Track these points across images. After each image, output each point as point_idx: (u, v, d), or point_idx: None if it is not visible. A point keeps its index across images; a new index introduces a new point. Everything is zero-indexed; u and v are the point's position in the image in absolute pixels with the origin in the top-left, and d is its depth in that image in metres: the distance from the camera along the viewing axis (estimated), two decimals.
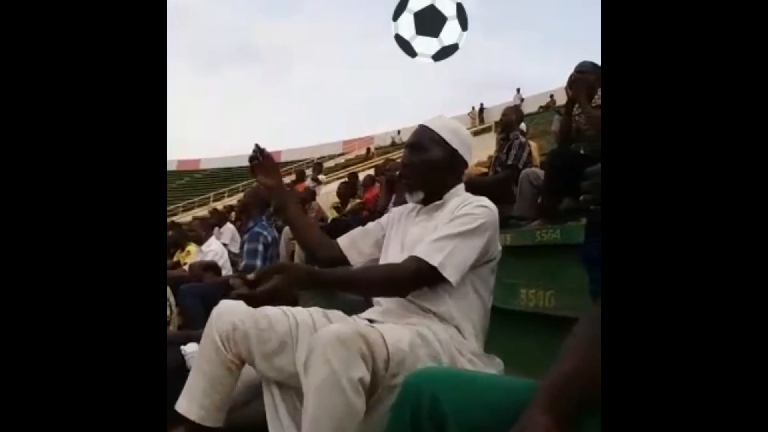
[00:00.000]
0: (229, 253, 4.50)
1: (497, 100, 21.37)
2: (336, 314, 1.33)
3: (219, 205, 14.75)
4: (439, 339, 1.17)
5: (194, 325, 2.90)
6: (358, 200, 6.21)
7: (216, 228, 5.73)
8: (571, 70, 3.02)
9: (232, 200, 15.41)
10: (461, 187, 1.39)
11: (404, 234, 1.38)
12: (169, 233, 4.90)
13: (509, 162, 3.98)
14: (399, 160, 3.65)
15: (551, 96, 19.16)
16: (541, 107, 19.50)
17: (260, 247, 3.30)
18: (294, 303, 2.05)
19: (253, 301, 1.09)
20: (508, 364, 1.31)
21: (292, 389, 1.19)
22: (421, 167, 1.34)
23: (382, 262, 1.41)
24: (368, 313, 1.33)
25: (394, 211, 1.50)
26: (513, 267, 3.18)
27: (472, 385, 0.77)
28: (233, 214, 7.35)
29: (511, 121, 4.23)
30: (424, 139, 1.36)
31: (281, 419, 1.19)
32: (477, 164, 5.43)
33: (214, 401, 1.22)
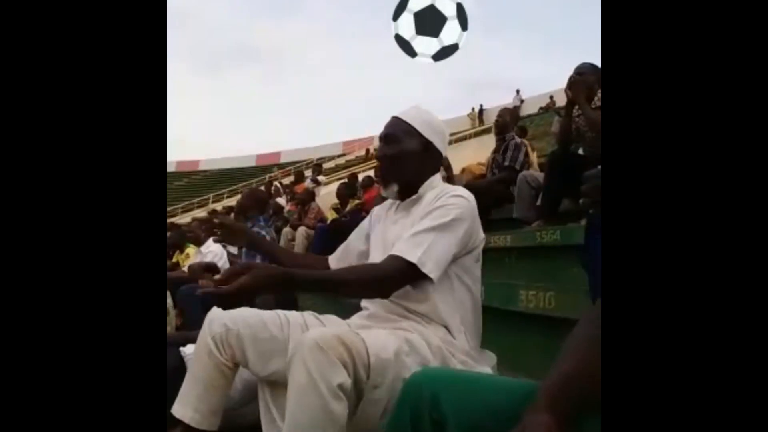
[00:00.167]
0: (228, 254, 4.49)
1: (497, 101, 21.38)
2: (330, 318, 1.33)
3: (218, 206, 14.75)
4: (429, 343, 1.15)
5: (193, 327, 2.89)
6: (357, 201, 6.21)
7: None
8: (570, 71, 3.02)
9: (232, 201, 15.40)
10: (437, 178, 1.35)
11: (385, 233, 1.35)
12: (168, 234, 4.89)
13: (506, 163, 3.99)
14: None
15: (551, 97, 19.18)
16: (541, 108, 19.51)
17: None
18: (293, 306, 2.05)
19: (221, 301, 1.06)
20: (508, 365, 1.31)
21: (285, 390, 1.19)
22: (395, 160, 1.31)
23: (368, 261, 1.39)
24: (355, 318, 1.32)
25: (374, 211, 1.48)
26: (513, 268, 3.19)
27: (472, 386, 0.77)
28: (232, 215, 7.34)
29: (506, 122, 4.23)
30: (398, 131, 1.33)
31: (275, 419, 1.19)
32: (478, 164, 5.42)
33: (208, 405, 1.22)
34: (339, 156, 23.27)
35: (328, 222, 5.71)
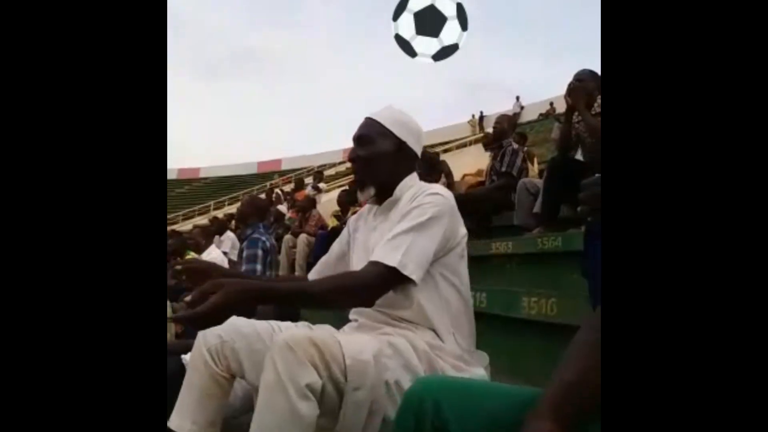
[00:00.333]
0: (229, 261, 4.49)
1: (498, 107, 21.44)
2: (324, 328, 1.29)
3: (219, 214, 14.77)
4: (414, 347, 1.13)
5: (193, 335, 2.89)
6: (358, 208, 6.20)
7: (216, 236, 5.72)
8: (570, 78, 3.04)
9: (233, 208, 15.43)
10: (413, 177, 1.32)
11: (366, 241, 1.33)
12: (169, 242, 4.89)
13: (503, 169, 4.00)
14: None
15: (551, 104, 19.23)
16: (541, 115, 19.56)
17: (259, 252, 3.29)
18: (295, 318, 2.04)
19: (194, 324, 1.00)
20: (510, 371, 1.30)
21: None
22: (369, 161, 1.29)
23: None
24: (345, 329, 1.30)
25: (351, 221, 1.46)
26: (515, 275, 3.19)
27: (473, 393, 0.77)
28: (233, 222, 7.35)
29: (504, 129, 4.25)
30: (371, 132, 1.31)
31: None
32: (477, 172, 5.43)
33: (206, 416, 1.21)
34: (340, 163, 23.30)
35: (330, 229, 5.71)
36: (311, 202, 6.92)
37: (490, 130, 5.05)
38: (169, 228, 9.54)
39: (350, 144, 1.35)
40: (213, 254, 4.27)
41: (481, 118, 22.63)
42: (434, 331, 1.20)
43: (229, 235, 6.25)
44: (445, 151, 14.18)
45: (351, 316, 1.33)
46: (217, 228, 6.27)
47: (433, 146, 14.88)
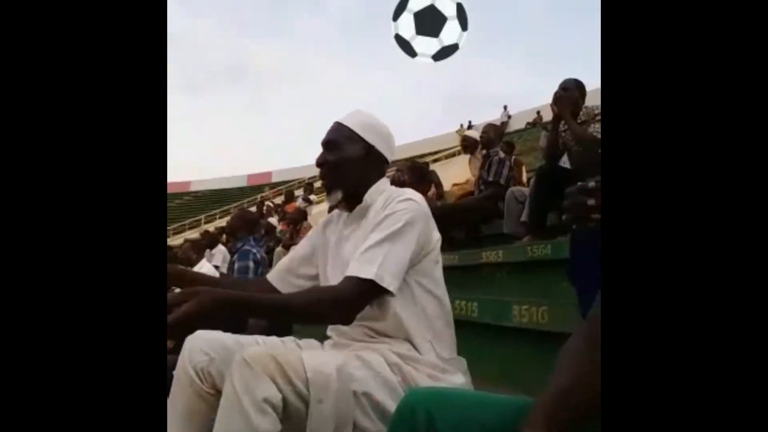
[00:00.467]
0: (221, 275, 4.47)
1: (486, 117, 21.55)
2: (309, 342, 1.30)
3: (210, 227, 14.68)
4: (386, 359, 1.12)
5: None
6: None
7: (207, 250, 5.69)
8: (556, 87, 3.08)
9: (224, 222, 15.34)
10: (383, 183, 1.30)
11: (339, 252, 1.30)
12: None
13: (490, 179, 4.03)
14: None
15: (538, 112, 19.38)
16: (528, 123, 19.70)
17: (251, 264, 3.29)
18: (288, 331, 2.01)
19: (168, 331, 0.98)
20: (503, 380, 1.30)
21: None
22: (336, 166, 1.27)
23: (322, 283, 1.33)
24: (321, 347, 1.29)
25: (322, 222, 1.42)
26: (505, 283, 3.19)
27: (466, 404, 0.77)
28: (224, 236, 7.31)
29: (490, 138, 4.29)
30: (339, 137, 1.29)
31: None
32: (466, 181, 5.45)
33: None
34: None
35: None
36: (302, 214, 6.91)
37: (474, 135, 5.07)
38: None
39: None
40: (204, 268, 4.24)
41: (470, 127, 22.74)
42: (410, 341, 1.18)
43: (221, 249, 6.22)
44: (435, 161, 14.23)
45: (328, 332, 1.32)
46: (208, 242, 6.23)
47: (423, 156, 14.93)
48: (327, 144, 1.30)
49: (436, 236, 1.25)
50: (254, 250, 3.37)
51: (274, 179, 27.19)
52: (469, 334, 2.55)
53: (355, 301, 1.10)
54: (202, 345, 1.19)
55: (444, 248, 1.38)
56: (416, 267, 1.20)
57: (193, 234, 15.43)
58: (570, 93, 3.00)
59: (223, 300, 1.01)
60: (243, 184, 29.30)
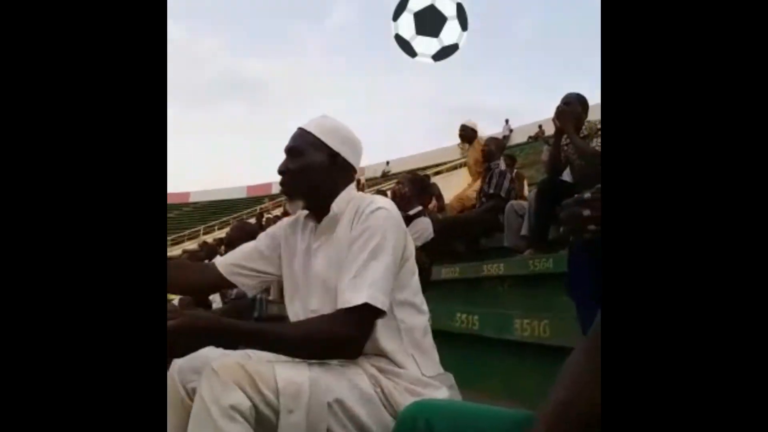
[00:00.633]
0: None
1: (488, 130, 21.68)
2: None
3: (209, 238, 14.68)
4: (365, 371, 1.10)
5: None
6: None
7: (206, 261, 5.68)
8: (558, 102, 3.10)
9: (223, 233, 15.35)
10: (349, 190, 1.24)
11: (308, 265, 1.24)
12: None
13: (491, 191, 4.04)
14: (389, 188, 3.68)
15: (540, 126, 19.48)
16: (530, 137, 19.79)
17: None
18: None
19: None
20: (505, 394, 1.28)
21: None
22: (298, 174, 1.22)
23: (290, 299, 1.28)
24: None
25: (286, 222, 1.37)
26: (507, 297, 3.19)
27: (467, 415, 0.77)
28: (222, 247, 7.31)
29: (491, 151, 4.30)
30: (302, 144, 1.23)
31: None
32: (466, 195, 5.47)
33: None
34: None
35: None
36: None
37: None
38: None
39: None
40: None
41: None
42: (388, 357, 1.14)
43: None
44: (437, 173, 14.29)
45: None
46: (206, 253, 6.23)
47: (424, 169, 14.98)
48: (289, 151, 1.25)
49: (410, 241, 1.22)
50: None
51: (274, 190, 27.24)
52: (471, 348, 2.55)
53: (357, 337, 1.07)
54: (193, 365, 1.15)
55: (445, 261, 1.37)
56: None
57: (192, 245, 15.43)
58: (572, 107, 3.02)
59: (201, 327, 0.99)
60: (242, 195, 29.38)
